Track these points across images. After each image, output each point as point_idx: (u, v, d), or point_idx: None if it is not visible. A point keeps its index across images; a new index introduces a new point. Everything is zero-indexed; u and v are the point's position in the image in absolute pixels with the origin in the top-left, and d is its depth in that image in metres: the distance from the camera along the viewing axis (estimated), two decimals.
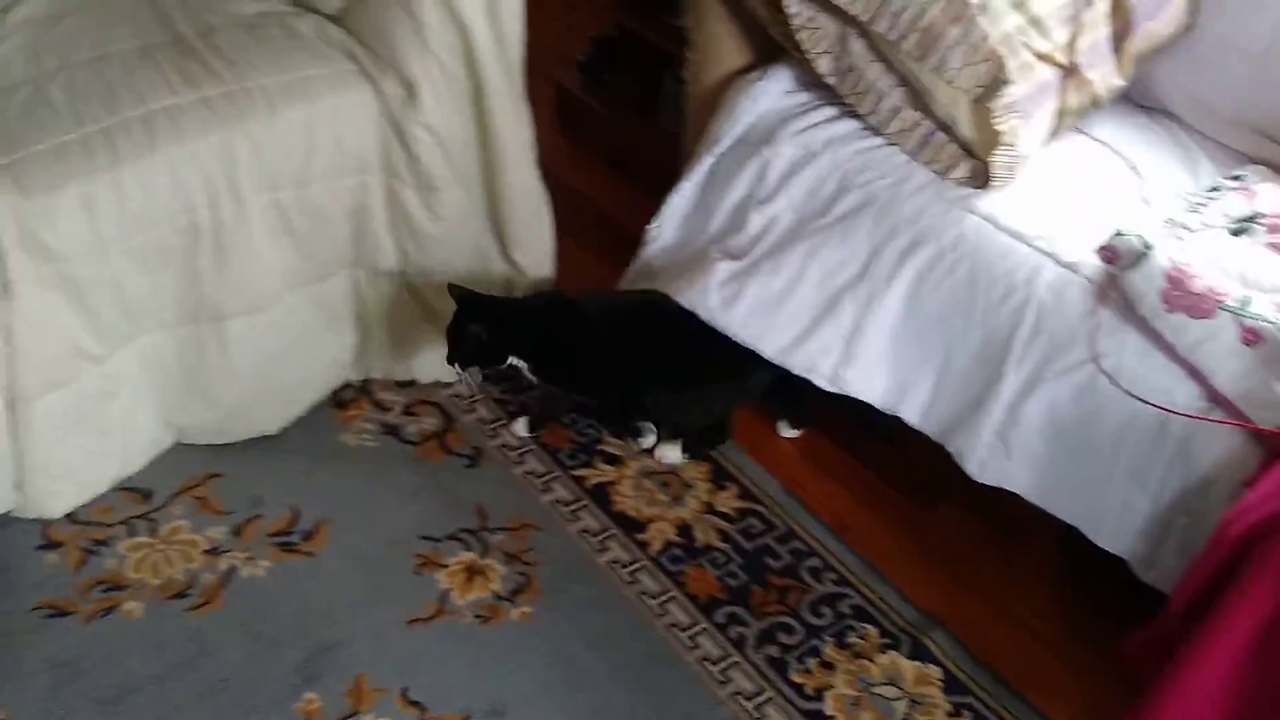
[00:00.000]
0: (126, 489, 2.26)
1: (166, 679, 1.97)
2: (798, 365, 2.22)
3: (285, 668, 2.00)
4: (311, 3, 2.38)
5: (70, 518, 2.20)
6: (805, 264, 2.21)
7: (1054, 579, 2.26)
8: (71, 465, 2.16)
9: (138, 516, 2.22)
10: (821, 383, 2.20)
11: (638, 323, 2.37)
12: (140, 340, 2.17)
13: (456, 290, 2.26)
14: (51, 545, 2.16)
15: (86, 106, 2.07)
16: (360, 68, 2.25)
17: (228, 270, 2.17)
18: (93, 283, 2.04)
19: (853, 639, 2.12)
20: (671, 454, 2.41)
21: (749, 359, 2.26)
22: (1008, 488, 2.07)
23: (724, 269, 2.28)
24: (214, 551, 2.17)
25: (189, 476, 2.29)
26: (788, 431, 2.49)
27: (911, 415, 2.17)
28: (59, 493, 2.17)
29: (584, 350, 2.33)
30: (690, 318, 2.27)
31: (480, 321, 2.24)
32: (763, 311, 2.24)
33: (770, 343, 2.24)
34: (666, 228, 2.46)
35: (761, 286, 2.24)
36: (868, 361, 2.16)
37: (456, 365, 2.27)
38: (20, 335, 1.98)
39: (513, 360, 2.30)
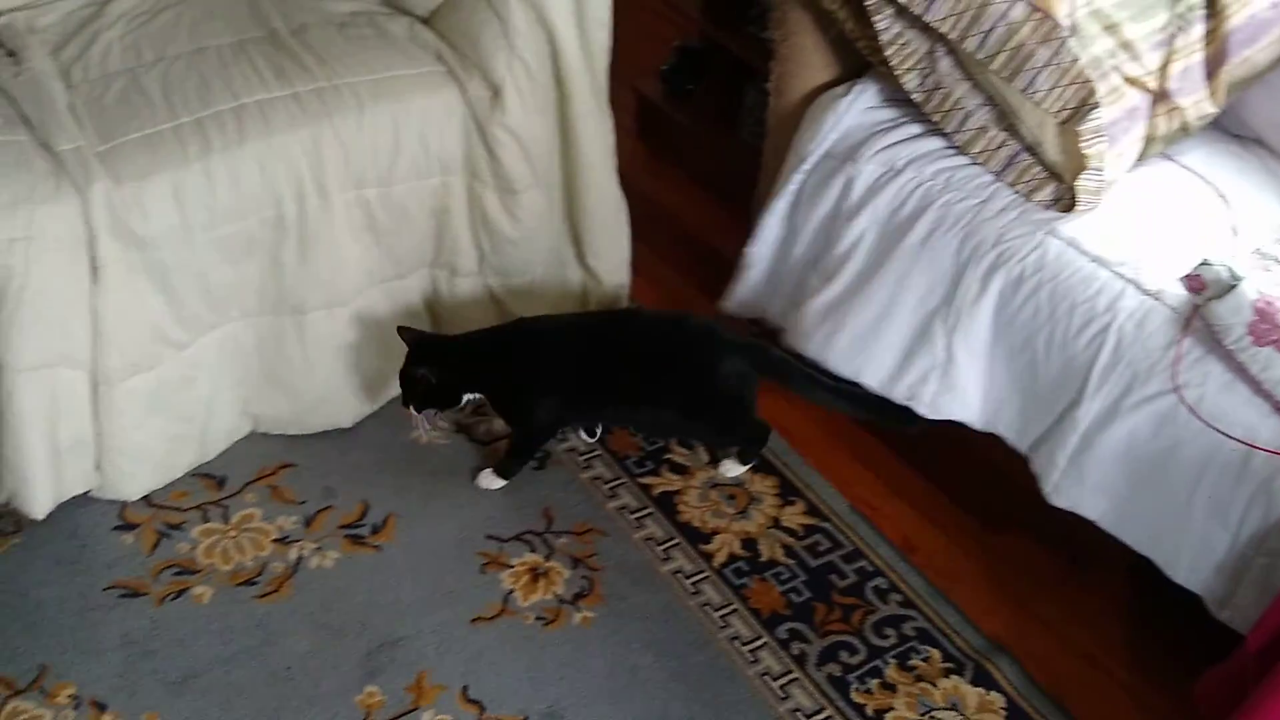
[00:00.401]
0: (202, 474, 2.30)
1: (232, 664, 2.00)
2: (900, 395, 2.23)
3: (349, 659, 2.02)
4: (403, 4, 2.42)
5: (146, 500, 2.24)
6: (895, 291, 2.22)
7: (1123, 612, 2.22)
8: (150, 449, 2.20)
9: (211, 502, 2.26)
10: (923, 410, 2.20)
11: (603, 344, 2.29)
12: (222, 329, 2.21)
13: (406, 333, 2.22)
14: (127, 526, 2.20)
15: (180, 98, 2.12)
16: (448, 69, 2.28)
17: (310, 264, 2.21)
18: (179, 270, 2.08)
19: (915, 661, 2.10)
20: (732, 469, 2.39)
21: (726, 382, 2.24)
22: (1081, 513, 2.05)
23: (818, 305, 2.31)
24: (284, 540, 2.20)
25: (263, 465, 2.33)
26: (733, 470, 2.39)
27: (1008, 433, 2.16)
28: (137, 475, 2.21)
29: (537, 380, 2.27)
30: (668, 332, 2.27)
31: (428, 364, 2.20)
32: (860, 344, 2.26)
33: (871, 375, 2.26)
34: (762, 250, 2.45)
35: (856, 319, 2.26)
36: (963, 385, 2.15)
37: (411, 408, 2.23)
38: (107, 318, 2.03)
39: (469, 396, 2.27)
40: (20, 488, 2.05)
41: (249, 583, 2.13)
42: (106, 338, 2.03)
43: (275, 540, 2.20)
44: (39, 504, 2.08)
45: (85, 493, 2.18)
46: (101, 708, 1.92)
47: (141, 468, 2.21)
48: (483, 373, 2.25)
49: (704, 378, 2.25)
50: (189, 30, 2.29)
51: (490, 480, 2.31)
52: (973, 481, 2.38)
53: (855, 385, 2.28)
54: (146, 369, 2.11)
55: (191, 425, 2.25)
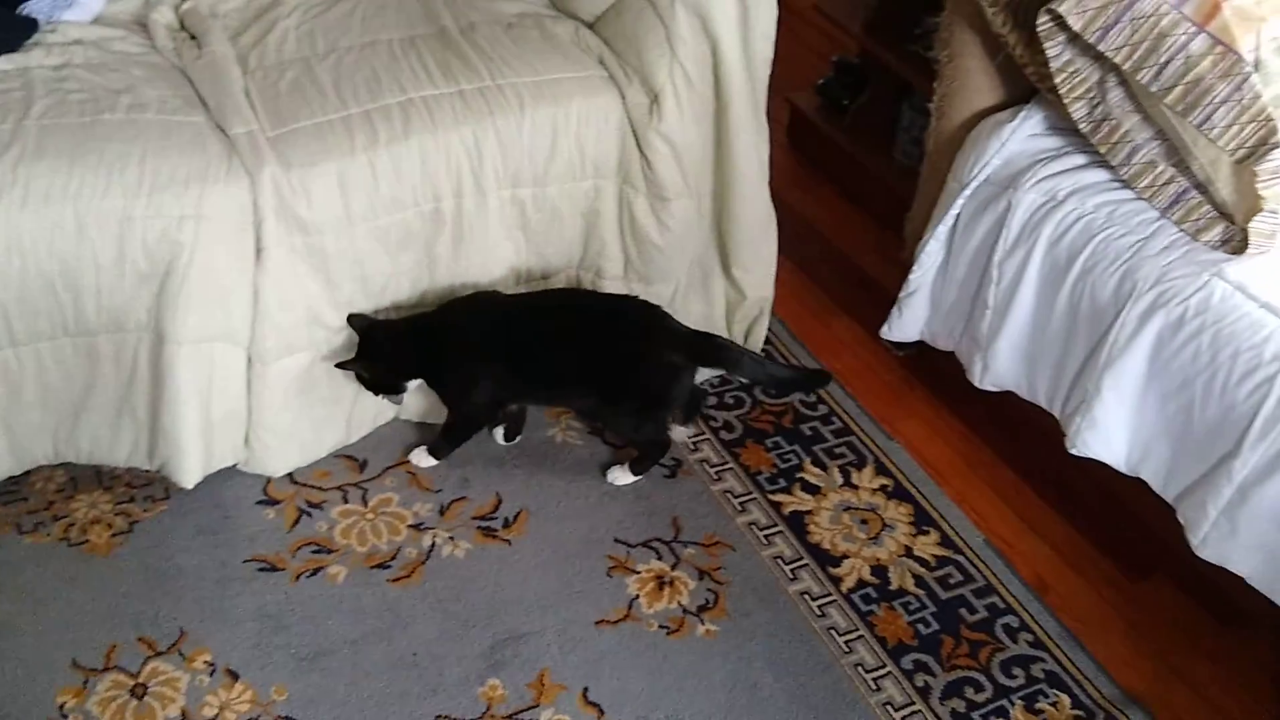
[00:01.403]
0: (344, 456, 2.36)
1: (360, 645, 2.04)
2: (1057, 415, 2.22)
3: (473, 650, 2.04)
4: (570, 8, 2.44)
5: (290, 477, 2.30)
6: (1053, 322, 2.18)
7: (1272, 676, 2.12)
8: (297, 428, 2.26)
9: (352, 484, 2.31)
10: (1068, 444, 2.16)
11: (537, 323, 2.23)
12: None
13: (356, 320, 2.20)
14: (270, 502, 2.26)
15: (350, 89, 2.17)
16: (608, 74, 2.29)
17: (463, 258, 2.25)
18: (337, 256, 2.13)
19: (1043, 705, 2.04)
20: (621, 476, 2.35)
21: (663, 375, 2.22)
22: (1230, 569, 1.97)
23: (983, 332, 2.30)
24: (419, 527, 2.24)
25: (404, 451, 2.37)
26: (622, 478, 2.35)
27: (1154, 479, 2.09)
28: (283, 452, 2.27)
29: (471, 360, 2.23)
30: (606, 314, 2.24)
31: (370, 354, 2.19)
32: (1020, 368, 2.28)
33: (1027, 393, 2.27)
34: (924, 275, 2.43)
35: (1013, 345, 2.26)
36: (1107, 424, 2.09)
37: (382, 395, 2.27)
38: (266, 299, 2.09)
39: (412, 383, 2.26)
40: (173, 456, 2.12)
41: (382, 566, 2.17)
42: (264, 317, 2.10)
43: (410, 526, 2.24)
44: (189, 474, 2.15)
45: (233, 466, 2.25)
46: (234, 676, 1.98)
47: (288, 445, 2.27)
48: (421, 356, 2.22)
49: (630, 364, 2.21)
50: (362, 23, 2.35)
51: (423, 458, 2.33)
52: (1114, 525, 2.31)
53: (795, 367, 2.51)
54: (299, 350, 2.17)
55: (338, 407, 2.31)
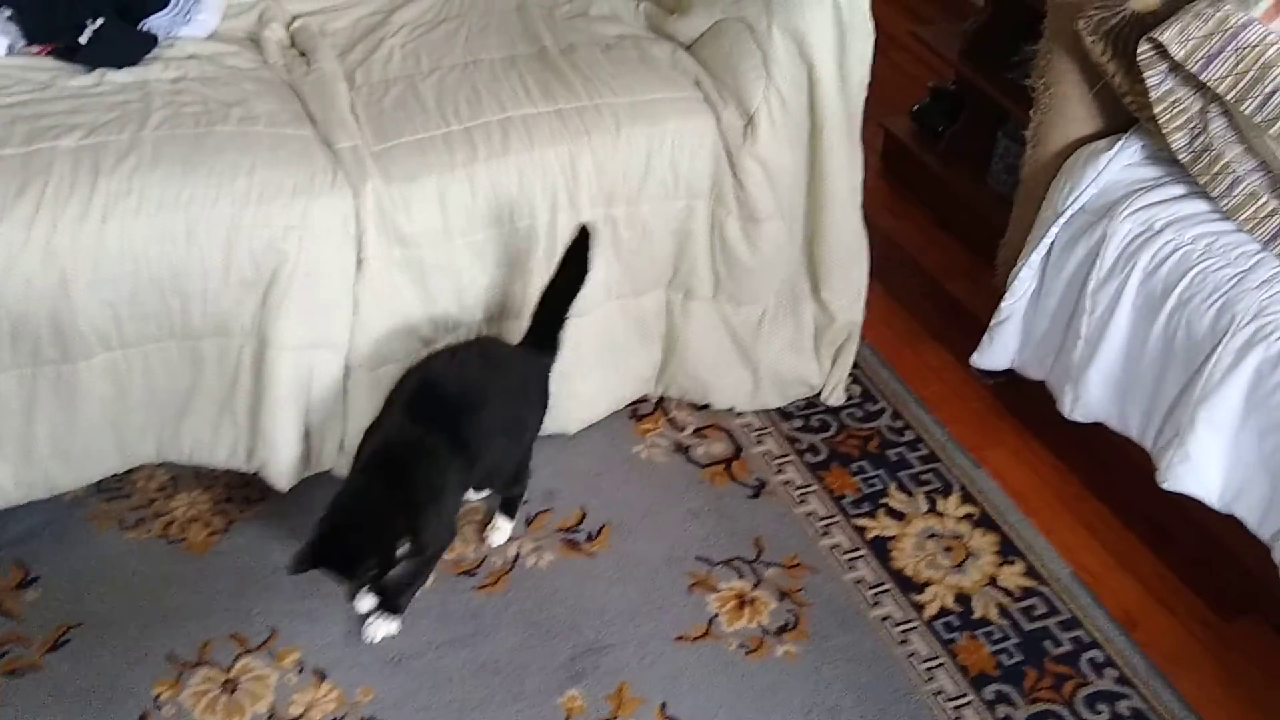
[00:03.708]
0: None
1: (445, 650, 2.08)
2: (1149, 448, 2.18)
3: (554, 661, 2.07)
4: (668, 30, 2.47)
5: None
6: (1146, 353, 2.16)
7: None
8: None
9: None
10: (1159, 479, 2.12)
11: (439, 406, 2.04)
12: (462, 330, 2.30)
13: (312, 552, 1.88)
14: None
15: (452, 106, 2.23)
16: (704, 96, 2.32)
17: None
18: (435, 270, 2.18)
19: None
20: (501, 533, 2.26)
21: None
22: None
23: (1074, 362, 2.28)
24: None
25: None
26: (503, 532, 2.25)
27: (1249, 517, 2.05)
28: None
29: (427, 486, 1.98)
30: (477, 361, 2.11)
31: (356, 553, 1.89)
32: (1112, 400, 2.25)
33: (1118, 425, 2.24)
34: (1016, 304, 2.41)
35: (1104, 377, 2.24)
36: (1200, 458, 2.05)
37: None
38: (365, 309, 2.14)
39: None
40: (270, 459, 2.18)
41: (468, 573, 2.21)
42: (363, 327, 2.15)
43: None
44: (285, 477, 2.20)
45: (328, 470, 2.29)
46: (322, 676, 2.03)
47: None
48: (391, 516, 1.92)
49: (524, 392, 2.16)
50: (465, 42, 2.40)
51: (381, 628, 2.08)
52: (1206, 563, 2.26)
53: None
54: (394, 360, 2.21)
55: None
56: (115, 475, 2.25)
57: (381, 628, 2.09)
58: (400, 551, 1.91)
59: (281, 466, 2.19)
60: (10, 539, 2.21)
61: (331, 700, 2.00)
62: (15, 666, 2.01)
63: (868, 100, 2.40)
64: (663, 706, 2.01)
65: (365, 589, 2.03)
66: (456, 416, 2.02)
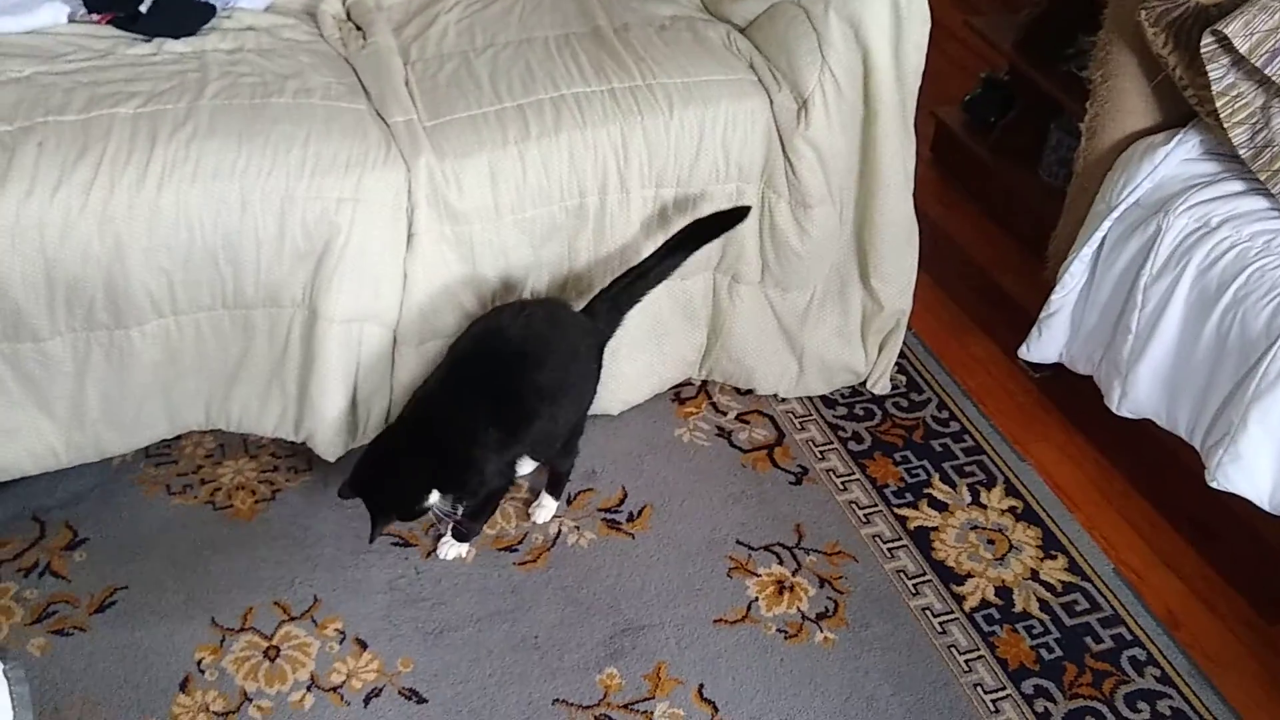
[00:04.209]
0: None
1: (485, 624, 2.09)
2: (1198, 447, 2.15)
3: (593, 638, 2.08)
4: (723, 12, 2.46)
5: None
6: (1198, 351, 2.13)
7: None
8: None
9: None
10: (1209, 477, 2.10)
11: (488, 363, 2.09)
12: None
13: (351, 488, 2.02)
14: None
15: (505, 83, 2.23)
16: (758, 78, 2.31)
17: (603, 253, 2.28)
18: (484, 246, 2.18)
19: None
20: (546, 510, 2.28)
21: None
22: None
23: (1124, 357, 2.25)
24: None
25: None
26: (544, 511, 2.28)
27: None
28: None
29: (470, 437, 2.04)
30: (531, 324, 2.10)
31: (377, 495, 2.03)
32: (1161, 397, 2.23)
33: (1167, 422, 2.21)
34: (1066, 297, 2.38)
35: (1154, 373, 2.21)
36: (1251, 458, 2.03)
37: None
38: (414, 283, 2.15)
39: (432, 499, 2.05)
40: (318, 429, 2.19)
41: (510, 549, 2.22)
42: (411, 301, 2.16)
43: None
44: (333, 447, 2.22)
45: None
46: (363, 645, 2.05)
47: None
48: (418, 466, 2.02)
49: (585, 360, 2.16)
50: (519, 20, 2.40)
51: (452, 549, 2.20)
52: (1253, 564, 2.24)
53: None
54: (441, 335, 2.22)
55: None
56: (163, 441, 2.28)
57: (454, 548, 2.20)
58: (435, 502, 2.02)
59: (329, 437, 2.21)
60: (60, 501, 2.24)
61: (372, 670, 2.01)
62: (63, 626, 2.04)
63: (920, 89, 2.38)
64: (700, 688, 2.02)
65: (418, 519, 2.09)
66: (513, 368, 2.07)
